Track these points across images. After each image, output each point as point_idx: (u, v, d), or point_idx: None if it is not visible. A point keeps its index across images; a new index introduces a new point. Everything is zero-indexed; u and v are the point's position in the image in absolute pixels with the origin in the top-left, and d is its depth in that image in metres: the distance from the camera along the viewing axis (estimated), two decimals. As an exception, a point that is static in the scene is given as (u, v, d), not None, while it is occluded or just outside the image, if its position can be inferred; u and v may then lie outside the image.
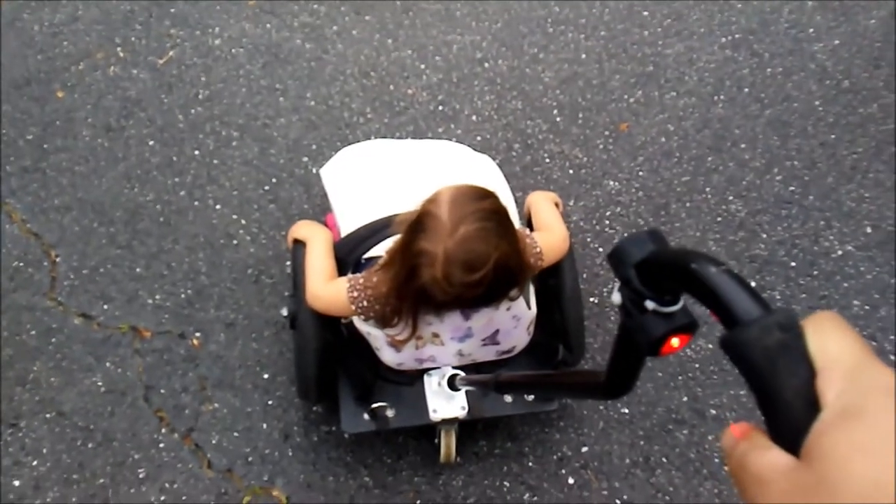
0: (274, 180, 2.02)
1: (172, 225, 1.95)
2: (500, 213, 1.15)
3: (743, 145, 2.13)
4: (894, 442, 0.29)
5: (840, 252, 1.96)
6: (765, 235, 1.98)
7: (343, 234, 1.49)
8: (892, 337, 1.84)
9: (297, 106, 2.16)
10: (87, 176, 2.02)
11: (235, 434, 1.69)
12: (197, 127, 2.11)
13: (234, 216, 1.97)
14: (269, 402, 1.73)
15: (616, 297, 0.52)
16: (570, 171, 2.07)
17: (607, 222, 1.99)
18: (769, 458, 0.33)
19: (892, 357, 1.82)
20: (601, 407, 1.75)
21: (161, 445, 1.68)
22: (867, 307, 1.88)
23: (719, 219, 2.01)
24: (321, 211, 1.91)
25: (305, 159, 2.06)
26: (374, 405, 1.48)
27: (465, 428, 1.65)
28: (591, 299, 1.86)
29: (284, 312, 1.48)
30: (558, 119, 2.16)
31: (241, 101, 2.16)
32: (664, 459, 1.69)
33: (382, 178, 1.56)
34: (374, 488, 1.64)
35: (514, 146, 2.11)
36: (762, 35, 2.34)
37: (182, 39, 2.27)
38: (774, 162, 2.10)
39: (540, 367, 1.55)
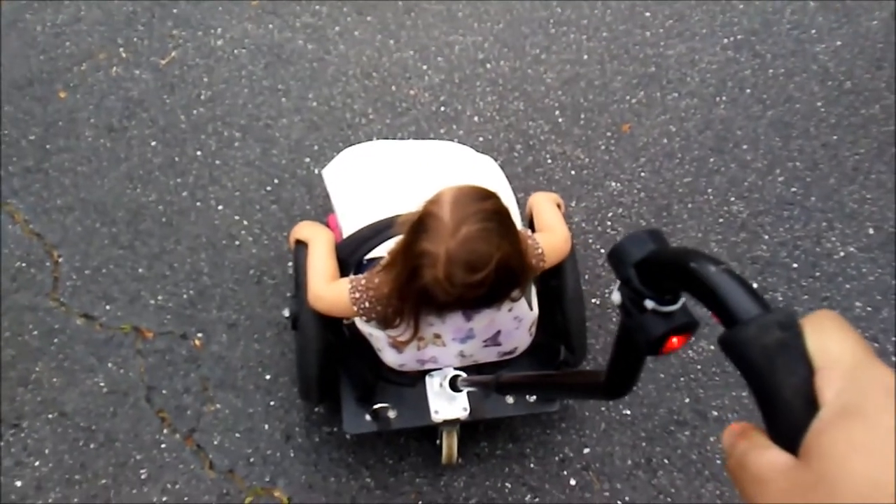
0: (276, 181, 2.03)
1: (174, 225, 1.95)
2: (501, 213, 1.15)
3: (745, 146, 2.13)
4: (891, 441, 0.29)
5: (842, 253, 1.96)
6: (767, 237, 1.98)
7: (345, 234, 1.49)
8: (894, 338, 1.84)
9: (299, 107, 2.16)
10: (89, 176, 2.02)
11: (237, 435, 1.69)
12: (199, 127, 2.11)
13: (237, 217, 1.97)
14: (271, 403, 1.73)
15: (616, 297, 0.52)
16: (572, 172, 2.07)
17: (609, 223, 1.99)
18: (768, 457, 0.33)
19: (894, 358, 1.82)
20: (603, 408, 1.75)
21: (163, 446, 1.68)
22: (869, 308, 1.88)
23: (721, 220, 2.01)
24: (323, 212, 1.91)
25: (307, 160, 2.06)
26: (376, 406, 1.48)
27: (467, 429, 1.65)
28: (593, 300, 1.86)
29: (286, 313, 1.48)
30: (560, 120, 2.16)
31: (244, 102, 2.16)
32: (666, 461, 1.69)
33: (384, 179, 1.56)
34: (375, 489, 1.64)
35: (516, 147, 2.11)
36: (764, 36, 2.34)
37: (184, 40, 2.28)
38: (776, 163, 2.10)
39: (542, 368, 1.55)
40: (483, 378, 1.28)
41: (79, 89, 2.17)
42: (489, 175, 1.60)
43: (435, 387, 1.46)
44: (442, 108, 2.17)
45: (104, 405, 1.72)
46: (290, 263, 1.83)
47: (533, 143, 2.12)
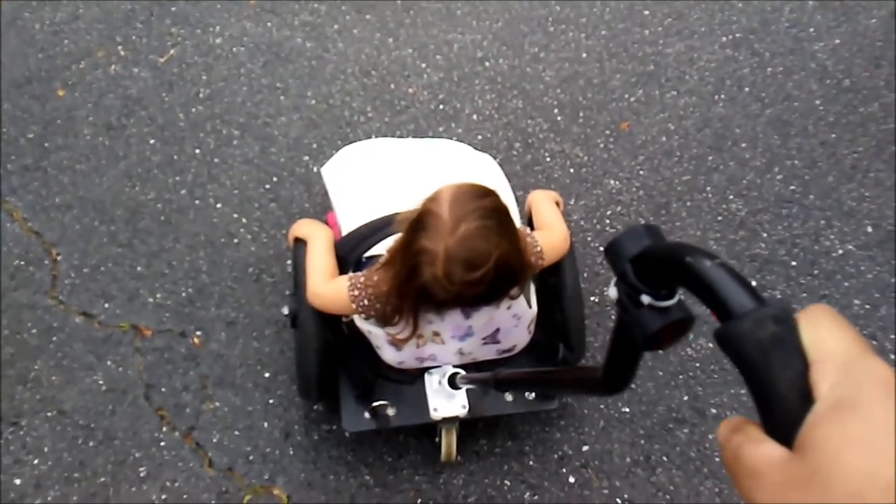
0: (275, 179, 2.03)
1: (173, 223, 1.95)
2: (500, 211, 1.15)
3: (743, 144, 2.13)
4: (887, 434, 0.29)
5: (841, 251, 1.96)
6: (765, 234, 1.98)
7: (344, 232, 1.49)
8: (893, 336, 1.84)
9: (297, 105, 2.16)
10: (87, 174, 2.02)
11: (236, 433, 1.69)
12: (198, 125, 2.11)
13: (235, 215, 1.97)
14: (270, 401, 1.73)
15: (612, 292, 0.52)
16: (571, 170, 2.07)
17: (608, 221, 1.99)
18: (763, 450, 0.33)
19: (893, 356, 1.82)
20: (602, 406, 1.75)
21: (162, 444, 1.68)
22: (868, 306, 1.88)
23: (720, 218, 2.01)
24: (322, 210, 1.91)
25: (306, 158, 2.06)
26: (375, 404, 1.48)
27: (466, 427, 1.65)
28: (592, 298, 1.87)
29: (285, 311, 1.48)
30: (559, 118, 2.16)
31: (242, 100, 2.16)
32: (665, 458, 1.69)
33: (383, 177, 1.56)
34: (374, 487, 1.65)
35: (515, 145, 2.11)
36: (763, 34, 2.34)
37: (183, 38, 2.28)
38: (775, 161, 2.10)
39: (540, 365, 1.55)
40: (482, 375, 1.28)
41: (77, 87, 2.17)
42: (488, 173, 1.60)
43: (434, 384, 1.46)
44: (441, 107, 2.17)
45: (103, 403, 1.72)
46: (289, 261, 1.84)
47: (532, 142, 2.12)
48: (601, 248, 1.95)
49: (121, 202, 1.98)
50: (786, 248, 1.96)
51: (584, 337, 1.54)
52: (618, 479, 1.67)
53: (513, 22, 2.35)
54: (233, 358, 1.77)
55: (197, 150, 2.07)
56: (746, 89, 2.23)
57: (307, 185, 2.02)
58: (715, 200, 2.04)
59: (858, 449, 0.30)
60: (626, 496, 1.66)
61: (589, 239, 1.96)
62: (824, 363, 0.33)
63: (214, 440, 1.68)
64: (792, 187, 2.06)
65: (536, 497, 1.65)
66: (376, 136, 2.10)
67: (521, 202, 1.73)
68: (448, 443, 1.55)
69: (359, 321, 1.39)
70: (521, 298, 1.35)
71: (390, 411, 1.50)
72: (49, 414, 1.70)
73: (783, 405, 0.33)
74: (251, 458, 1.67)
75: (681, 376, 1.78)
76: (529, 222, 1.57)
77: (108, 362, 1.76)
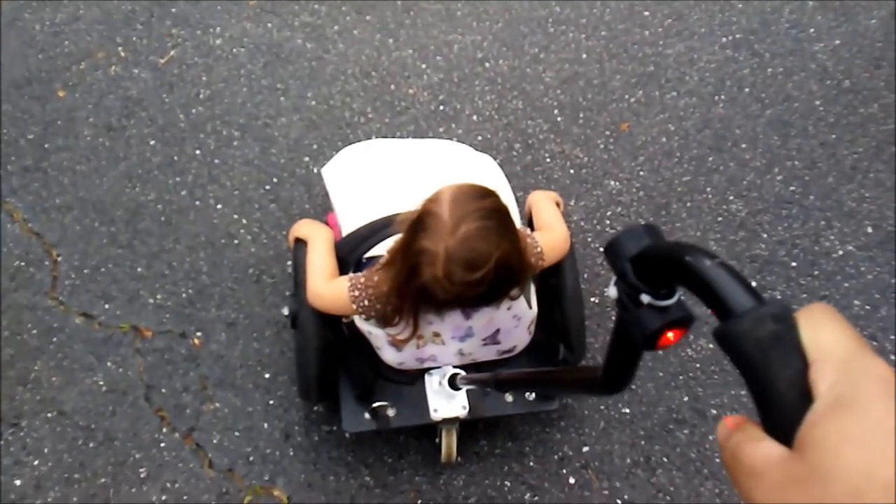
0: (275, 180, 2.03)
1: (173, 224, 1.95)
2: (501, 211, 1.15)
3: (743, 145, 2.13)
4: (886, 433, 0.29)
5: (841, 252, 1.96)
6: (765, 235, 1.98)
7: (344, 233, 1.49)
8: (893, 337, 1.84)
9: (298, 105, 2.16)
10: (88, 175, 2.02)
11: (236, 433, 1.69)
12: (198, 126, 2.11)
13: (236, 216, 1.97)
14: (270, 402, 1.73)
15: (612, 291, 0.52)
16: (571, 171, 2.07)
17: (608, 222, 1.99)
18: (762, 449, 0.33)
19: (893, 357, 1.82)
20: (602, 407, 1.75)
21: (162, 445, 1.68)
22: (868, 307, 1.88)
23: (720, 218, 2.01)
24: (322, 210, 1.91)
25: (306, 159, 2.06)
26: (375, 404, 1.48)
27: (466, 427, 1.65)
28: (592, 299, 1.87)
29: (286, 312, 1.48)
30: (559, 119, 2.16)
31: (242, 101, 2.16)
32: (665, 459, 1.69)
33: (383, 178, 1.56)
34: (374, 488, 1.65)
35: (515, 146, 2.11)
36: (763, 35, 2.34)
37: (183, 39, 2.28)
38: (775, 162, 2.10)
39: (540, 366, 1.55)
40: (482, 376, 1.28)
41: (78, 88, 2.17)
42: (488, 173, 1.60)
43: (434, 385, 1.46)
44: (441, 107, 2.17)
45: (103, 404, 1.72)
46: (290, 262, 1.84)
47: (532, 142, 2.12)
48: (601, 249, 1.95)
49: (121, 203, 1.98)
50: (786, 248, 1.96)
51: (584, 338, 1.54)
52: (618, 480, 1.67)
53: (513, 23, 2.35)
54: (233, 359, 1.77)
55: (197, 151, 2.07)
56: (746, 90, 2.23)
57: (307, 186, 2.02)
58: (715, 201, 2.04)
59: (858, 447, 0.30)
60: (626, 497, 1.65)
61: (589, 240, 1.96)
62: (824, 362, 0.33)
63: (215, 441, 1.68)
64: (792, 188, 2.06)
65: (537, 498, 1.65)
66: (376, 137, 2.10)
67: (521, 203, 1.73)
68: (448, 443, 1.55)
69: (359, 322, 1.39)
70: (522, 299, 1.35)
71: (390, 412, 1.50)
72: (49, 415, 1.71)
73: (782, 404, 0.33)
74: (251, 458, 1.67)
75: (681, 377, 1.78)
76: (529, 223, 1.57)
77: (109, 363, 1.76)
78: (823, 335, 0.34)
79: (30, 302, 1.83)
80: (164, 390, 1.74)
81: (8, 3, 2.32)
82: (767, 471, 0.33)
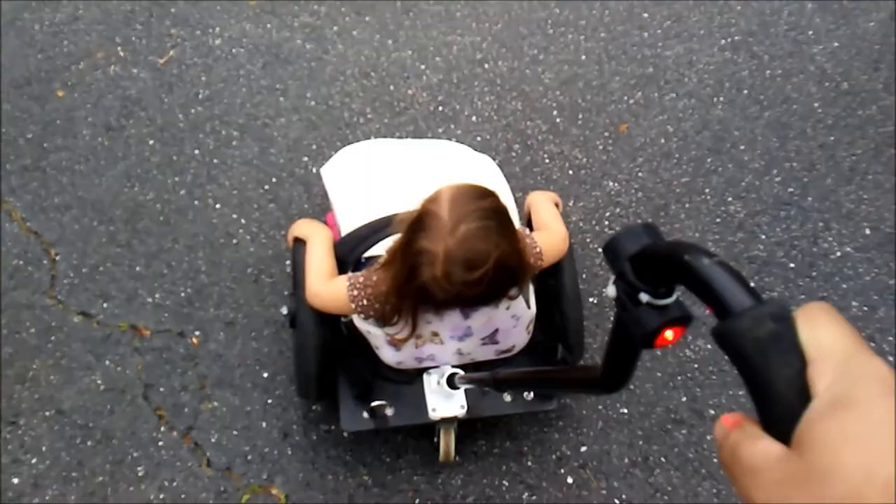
0: (274, 180, 2.03)
1: (172, 224, 1.95)
2: (500, 212, 1.15)
3: (742, 147, 2.13)
4: (885, 431, 0.30)
5: (839, 253, 1.96)
6: (764, 236, 1.99)
7: (343, 233, 1.49)
8: (891, 338, 1.84)
9: (297, 106, 2.16)
10: (87, 175, 2.02)
11: (234, 432, 1.69)
12: (197, 126, 2.11)
13: (234, 215, 1.97)
14: (269, 401, 1.73)
15: (611, 290, 0.52)
16: (570, 172, 2.08)
17: (607, 223, 2.00)
18: (761, 447, 0.33)
19: (891, 358, 1.82)
20: (600, 407, 1.75)
21: (160, 444, 1.68)
22: (866, 308, 1.88)
23: (718, 220, 2.01)
24: (321, 211, 1.91)
25: (305, 159, 2.07)
26: (374, 404, 1.48)
27: (465, 427, 1.65)
28: (591, 299, 1.87)
29: (284, 311, 1.48)
30: (558, 120, 2.17)
31: (242, 101, 2.16)
32: (663, 459, 1.70)
33: (383, 178, 1.56)
34: (373, 487, 1.65)
35: (514, 147, 2.11)
36: (762, 37, 2.34)
37: (182, 39, 2.28)
38: (773, 163, 2.11)
39: (539, 366, 1.55)
40: (480, 375, 1.28)
41: (77, 88, 2.17)
42: (488, 174, 1.61)
43: (433, 384, 1.46)
44: (440, 108, 2.18)
45: (101, 403, 1.72)
46: (288, 262, 1.84)
47: (531, 143, 2.12)
48: (600, 250, 1.95)
49: (120, 202, 1.98)
50: (784, 249, 1.97)
51: (582, 338, 1.55)
52: (616, 480, 1.67)
53: (512, 24, 2.35)
54: (231, 358, 1.77)
55: (196, 151, 2.07)
56: (745, 92, 2.23)
57: (306, 186, 2.02)
58: (713, 202, 2.04)
59: (856, 446, 0.30)
60: (624, 497, 1.66)
61: (588, 240, 1.97)
62: (822, 361, 0.33)
63: (213, 440, 1.68)
64: (790, 189, 2.06)
65: (535, 497, 1.65)
66: (375, 138, 2.10)
67: (520, 203, 1.74)
68: (446, 443, 1.55)
69: (358, 321, 1.39)
70: (520, 299, 1.36)
71: (389, 411, 1.50)
72: (47, 413, 1.70)
73: (781, 402, 0.33)
74: (249, 457, 1.67)
75: (679, 377, 1.78)
76: (528, 223, 1.58)
77: (107, 362, 1.76)
78: (822, 334, 0.34)
79: (28, 301, 1.83)
80: (162, 389, 1.74)
81: (7, 3, 2.32)
82: (766, 469, 0.33)
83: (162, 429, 1.69)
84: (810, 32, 2.35)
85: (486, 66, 2.27)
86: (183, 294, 1.85)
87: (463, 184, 1.16)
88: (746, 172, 2.09)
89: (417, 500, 1.64)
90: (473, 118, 2.16)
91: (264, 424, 1.70)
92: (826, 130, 2.16)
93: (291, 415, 1.71)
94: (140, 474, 1.65)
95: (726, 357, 0.36)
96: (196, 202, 1.99)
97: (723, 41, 2.34)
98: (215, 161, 2.05)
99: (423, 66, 2.25)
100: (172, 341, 1.79)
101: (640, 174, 2.08)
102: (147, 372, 1.75)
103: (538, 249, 1.34)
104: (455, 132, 2.13)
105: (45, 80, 2.18)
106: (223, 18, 2.32)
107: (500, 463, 1.68)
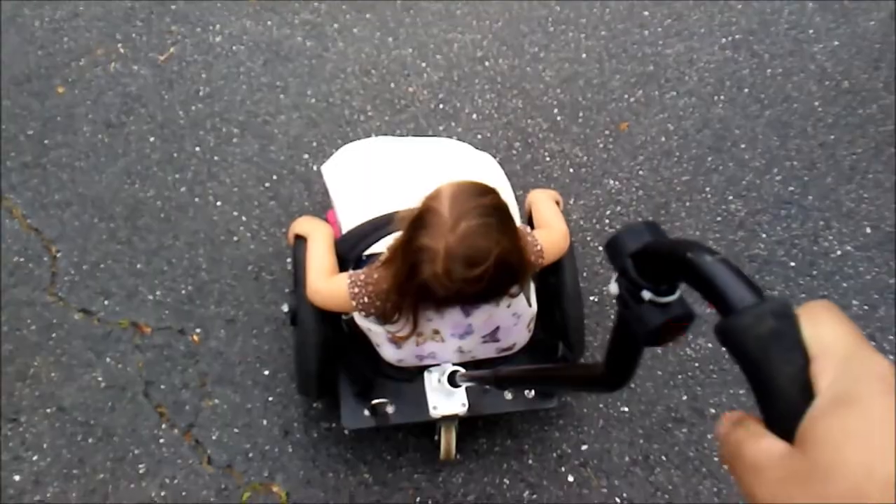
0: (274, 177, 2.03)
1: (173, 221, 1.95)
2: (501, 209, 1.15)
3: (743, 145, 2.13)
4: (887, 429, 0.30)
5: (839, 252, 1.96)
6: (764, 235, 1.99)
7: (344, 230, 1.49)
8: (891, 336, 1.84)
9: (297, 103, 2.16)
10: (87, 172, 2.02)
11: (235, 430, 1.70)
12: (197, 124, 2.11)
13: (235, 213, 1.97)
14: (270, 399, 1.73)
15: (613, 288, 0.52)
16: (571, 170, 2.07)
17: (607, 221, 2.00)
18: (763, 444, 0.33)
19: (892, 357, 1.82)
20: (601, 405, 1.75)
21: (161, 441, 1.68)
22: (866, 307, 1.88)
23: (719, 218, 2.01)
24: (322, 208, 1.91)
25: (306, 156, 2.06)
26: (375, 401, 1.48)
27: (465, 425, 1.65)
28: (592, 297, 1.87)
29: (285, 308, 1.48)
30: (559, 118, 2.16)
31: (242, 98, 2.16)
32: (664, 458, 1.70)
33: (383, 175, 1.56)
34: (373, 485, 1.65)
35: (515, 144, 2.11)
36: (762, 36, 2.34)
37: (183, 36, 2.28)
38: (774, 162, 2.11)
39: (540, 364, 1.55)
40: (481, 373, 1.28)
41: (77, 85, 2.17)
42: (488, 172, 1.60)
43: (433, 382, 1.46)
44: (440, 106, 2.18)
45: (102, 400, 1.72)
46: (289, 259, 1.84)
47: (531, 141, 2.12)
48: (600, 248, 1.96)
49: (120, 199, 1.98)
50: (785, 248, 1.97)
51: (583, 336, 1.55)
52: (616, 479, 1.67)
53: (513, 22, 2.35)
54: (232, 355, 1.78)
55: (197, 148, 2.07)
56: (746, 90, 2.23)
57: (307, 184, 2.02)
58: (714, 201, 2.04)
59: (858, 444, 0.30)
60: (624, 495, 1.66)
61: (588, 238, 1.97)
62: (825, 358, 0.33)
63: (213, 437, 1.68)
64: (791, 188, 2.06)
65: (535, 496, 1.65)
66: (376, 135, 2.10)
67: (520, 201, 1.74)
68: (447, 441, 1.55)
69: (358, 319, 1.39)
70: (521, 297, 1.36)
71: (390, 409, 1.50)
72: (48, 410, 1.71)
73: (784, 400, 0.33)
74: (250, 455, 1.67)
75: (680, 376, 1.78)
76: (529, 221, 1.58)
77: (108, 359, 1.76)
78: (825, 331, 0.34)
79: (29, 298, 1.83)
80: (163, 387, 1.74)
81: (8, 0, 2.32)
82: (768, 466, 0.33)
83: (163, 426, 1.70)
84: (811, 31, 2.35)
85: (487, 63, 2.26)
86: (183, 291, 1.85)
87: (463, 181, 1.16)
88: (747, 171, 2.09)
89: (418, 499, 1.64)
90: (474, 116, 2.16)
91: (265, 422, 1.70)
92: (826, 129, 2.16)
93: (292, 412, 1.71)
94: (141, 472, 1.65)
95: (727, 356, 0.36)
96: (196, 199, 1.99)
97: (723, 40, 2.34)
98: (216, 158, 2.05)
99: (423, 64, 2.25)
100: (173, 338, 1.79)
101: (640, 172, 2.08)
102: (148, 369, 1.75)
103: (539, 247, 1.34)
104: (456, 130, 2.13)
105: (46, 76, 2.18)
106: (223, 15, 2.32)
107: (500, 461, 1.68)
